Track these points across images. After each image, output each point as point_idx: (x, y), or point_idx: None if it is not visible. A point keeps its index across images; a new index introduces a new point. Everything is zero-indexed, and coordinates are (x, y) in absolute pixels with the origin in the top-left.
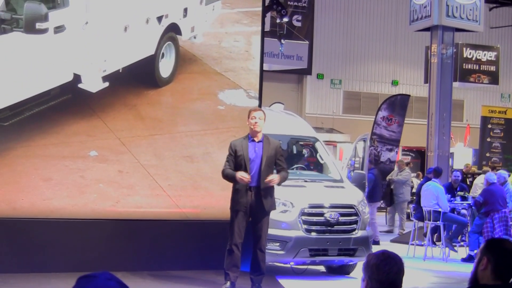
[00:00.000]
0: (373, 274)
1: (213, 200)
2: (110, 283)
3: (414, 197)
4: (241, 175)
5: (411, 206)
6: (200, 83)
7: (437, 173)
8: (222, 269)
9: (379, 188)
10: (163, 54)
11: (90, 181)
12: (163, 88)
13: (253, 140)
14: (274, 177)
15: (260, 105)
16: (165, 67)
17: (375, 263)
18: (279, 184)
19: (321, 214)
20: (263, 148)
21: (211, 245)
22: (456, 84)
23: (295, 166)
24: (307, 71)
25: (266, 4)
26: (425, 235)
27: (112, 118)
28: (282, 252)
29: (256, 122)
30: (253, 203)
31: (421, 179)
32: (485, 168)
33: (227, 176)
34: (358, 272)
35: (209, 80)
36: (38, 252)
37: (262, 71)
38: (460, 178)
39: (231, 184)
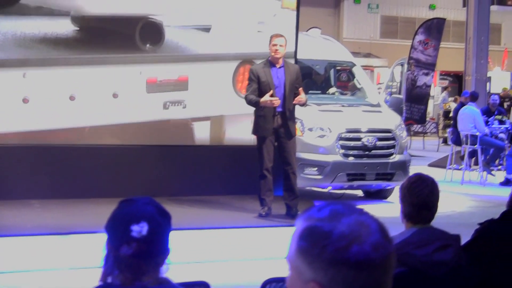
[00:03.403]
0: (404, 196)
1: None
2: (148, 207)
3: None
4: (269, 99)
5: (448, 130)
6: None
7: (473, 97)
8: (257, 194)
9: None
10: None
11: None
12: None
13: (275, 66)
14: (302, 97)
15: (297, 28)
16: None
17: (406, 186)
18: (303, 105)
19: (359, 139)
20: (284, 73)
21: (247, 170)
22: (494, 8)
23: (334, 91)
24: None
25: None
26: (462, 158)
27: None
28: (320, 176)
29: (277, 49)
30: (279, 128)
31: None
32: None
33: (251, 102)
34: (395, 197)
35: None
36: (76, 178)
37: None
38: (498, 101)
39: None
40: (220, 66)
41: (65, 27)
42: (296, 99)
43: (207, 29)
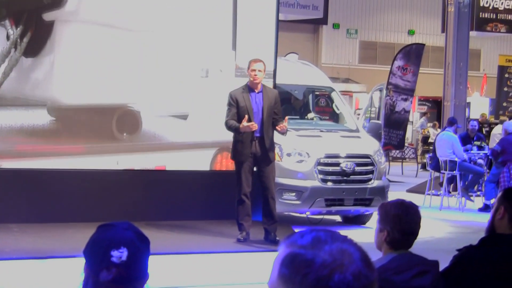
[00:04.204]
0: (395, 224)
1: None
2: (127, 232)
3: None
4: (247, 124)
5: (427, 156)
6: None
7: (450, 122)
8: (235, 219)
9: None
10: None
11: None
12: None
13: (254, 91)
14: (286, 125)
15: (276, 54)
16: None
17: (396, 214)
18: (282, 134)
19: (337, 164)
20: (263, 98)
21: (226, 195)
22: (473, 33)
23: (314, 116)
24: (323, 20)
25: None
26: (441, 184)
27: None
28: (298, 202)
29: (256, 75)
30: (257, 153)
31: (438, 129)
32: (502, 118)
33: (230, 128)
34: (374, 222)
35: None
36: (55, 203)
37: (278, 20)
38: (477, 127)
39: None
40: (197, 154)
41: (41, 118)
42: (279, 125)
43: (184, 117)
